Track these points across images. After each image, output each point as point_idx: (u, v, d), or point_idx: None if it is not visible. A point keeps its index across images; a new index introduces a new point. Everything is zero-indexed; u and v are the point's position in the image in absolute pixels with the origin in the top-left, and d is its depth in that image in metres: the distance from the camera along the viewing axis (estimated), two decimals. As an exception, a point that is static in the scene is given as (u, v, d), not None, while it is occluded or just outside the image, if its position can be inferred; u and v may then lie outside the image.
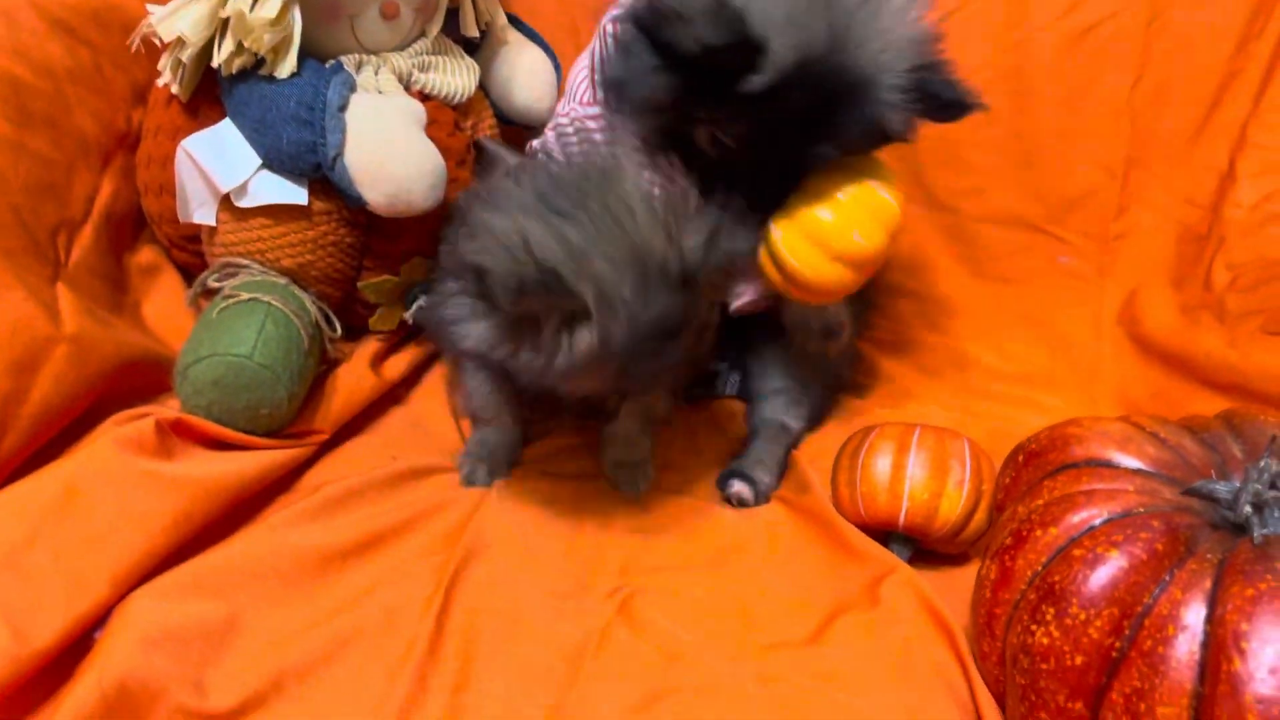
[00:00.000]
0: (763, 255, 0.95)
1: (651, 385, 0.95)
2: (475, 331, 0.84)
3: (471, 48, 1.13)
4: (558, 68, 1.19)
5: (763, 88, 0.84)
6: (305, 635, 0.78)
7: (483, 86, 1.13)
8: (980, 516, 0.91)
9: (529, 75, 1.14)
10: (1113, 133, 1.31)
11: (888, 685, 0.80)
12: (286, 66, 0.93)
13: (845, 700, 0.79)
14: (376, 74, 0.99)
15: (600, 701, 0.77)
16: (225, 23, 0.92)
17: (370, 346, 1.07)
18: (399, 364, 1.08)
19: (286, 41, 0.93)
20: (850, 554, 0.93)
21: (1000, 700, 0.76)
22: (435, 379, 1.13)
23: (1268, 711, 0.60)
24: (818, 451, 1.06)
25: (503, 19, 1.13)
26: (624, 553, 0.92)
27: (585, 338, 0.79)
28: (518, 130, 1.19)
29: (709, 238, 0.83)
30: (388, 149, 0.92)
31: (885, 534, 0.94)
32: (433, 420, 1.08)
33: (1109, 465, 0.79)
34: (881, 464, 0.92)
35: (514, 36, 1.16)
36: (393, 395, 1.08)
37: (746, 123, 0.88)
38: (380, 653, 0.78)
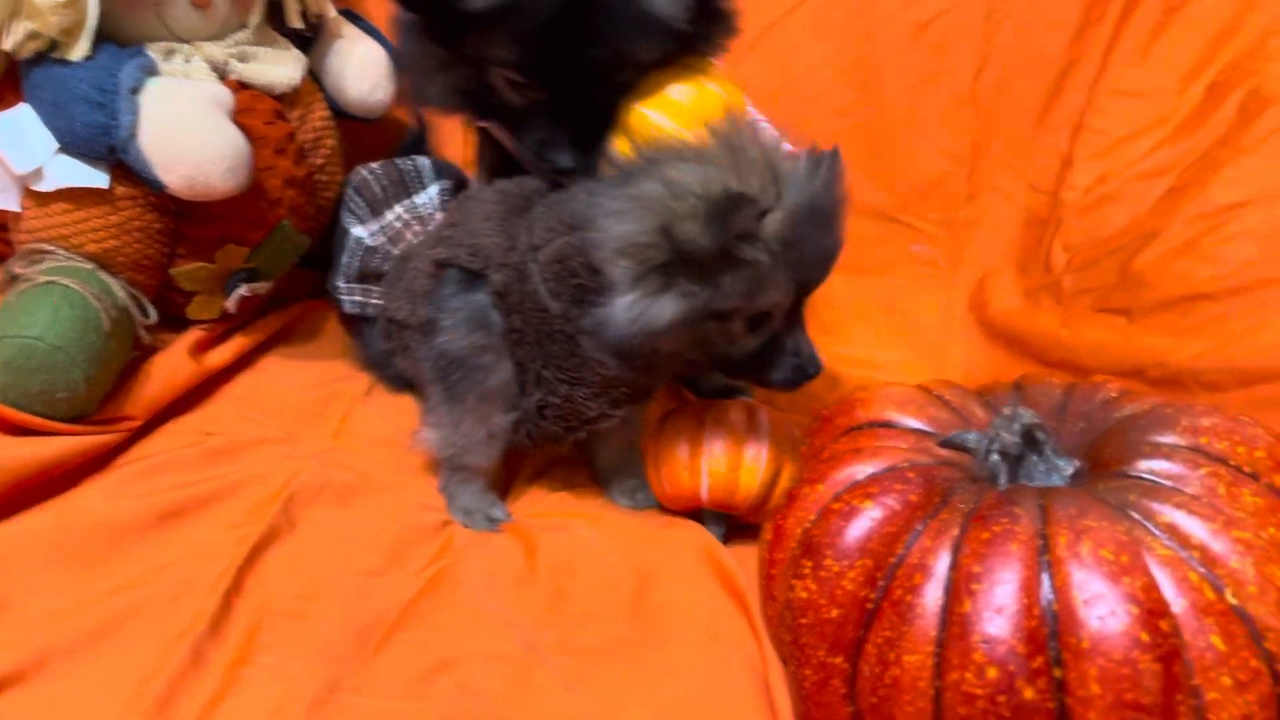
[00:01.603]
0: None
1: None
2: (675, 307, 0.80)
3: (306, 41, 1.13)
4: (396, 60, 1.19)
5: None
6: (80, 612, 0.77)
7: (316, 79, 1.14)
8: (783, 486, 0.91)
9: (360, 68, 1.14)
10: (958, 121, 1.34)
11: (683, 651, 0.81)
12: (79, 50, 0.93)
13: (636, 655, 0.80)
14: (188, 62, 0.98)
15: (384, 674, 0.77)
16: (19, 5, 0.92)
17: (192, 335, 1.06)
18: (224, 352, 1.07)
19: (79, 24, 0.93)
20: (659, 531, 0.94)
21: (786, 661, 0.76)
22: (268, 361, 1.12)
23: (993, 650, 0.60)
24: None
25: (333, 12, 1.13)
26: (444, 530, 0.92)
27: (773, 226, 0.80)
28: (352, 122, 1.19)
29: None
30: (183, 132, 0.92)
31: (700, 511, 0.95)
32: (260, 393, 1.06)
33: (889, 426, 0.80)
34: (680, 443, 0.93)
35: (348, 30, 1.16)
36: (218, 377, 1.07)
37: (510, 44, 0.87)
38: (160, 629, 0.77)
